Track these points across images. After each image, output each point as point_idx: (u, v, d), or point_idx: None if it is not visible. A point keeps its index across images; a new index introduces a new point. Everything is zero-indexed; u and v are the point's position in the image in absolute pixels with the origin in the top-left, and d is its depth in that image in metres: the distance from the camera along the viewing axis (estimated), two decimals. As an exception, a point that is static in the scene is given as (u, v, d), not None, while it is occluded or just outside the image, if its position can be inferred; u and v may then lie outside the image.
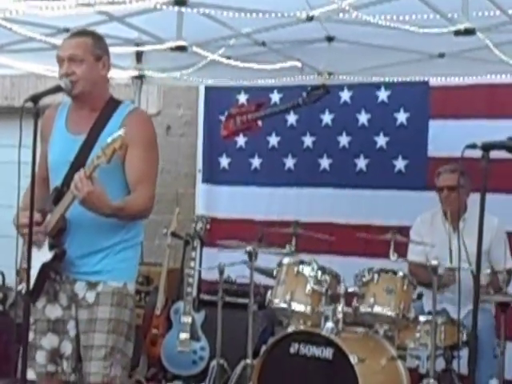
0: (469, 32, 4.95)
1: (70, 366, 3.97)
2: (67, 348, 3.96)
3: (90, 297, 3.91)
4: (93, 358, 3.86)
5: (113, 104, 4.02)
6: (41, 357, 3.97)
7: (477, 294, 3.51)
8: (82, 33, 4.12)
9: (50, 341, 3.97)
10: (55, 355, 3.97)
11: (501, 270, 5.84)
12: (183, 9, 5.47)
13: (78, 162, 3.83)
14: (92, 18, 5.75)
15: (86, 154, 3.86)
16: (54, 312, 3.98)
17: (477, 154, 3.53)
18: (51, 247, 3.88)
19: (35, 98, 3.69)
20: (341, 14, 5.28)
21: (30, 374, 3.90)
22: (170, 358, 6.99)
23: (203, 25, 5.92)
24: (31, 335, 3.92)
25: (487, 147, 3.41)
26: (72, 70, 3.87)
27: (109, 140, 3.58)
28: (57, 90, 3.86)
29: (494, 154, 3.54)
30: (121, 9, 5.63)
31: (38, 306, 3.98)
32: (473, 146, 3.42)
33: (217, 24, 5.92)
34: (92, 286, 3.91)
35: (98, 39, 4.05)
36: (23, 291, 3.86)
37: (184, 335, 6.86)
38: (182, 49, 5.85)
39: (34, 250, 3.74)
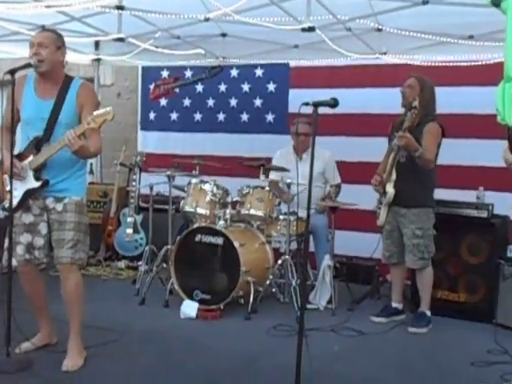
0: (311, 29, 4.94)
1: (41, 253, 3.94)
2: (38, 242, 3.92)
3: (59, 207, 3.85)
4: (64, 247, 3.82)
5: (69, 79, 3.92)
6: (20, 249, 3.92)
7: (309, 200, 3.44)
8: (49, 29, 4.12)
9: (25, 238, 3.92)
10: (30, 247, 3.92)
11: (332, 185, 5.93)
12: (122, 12, 5.37)
13: (52, 119, 3.79)
14: (59, 18, 5.63)
15: (57, 113, 3.81)
16: (28, 218, 3.91)
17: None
18: (37, 178, 3.82)
19: (12, 72, 3.70)
20: (228, 17, 5.23)
21: (13, 262, 3.88)
22: (120, 245, 6.97)
23: (136, 23, 5.79)
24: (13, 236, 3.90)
25: (316, 104, 3.41)
26: (39, 52, 3.78)
27: (99, 112, 3.63)
28: (27, 66, 3.80)
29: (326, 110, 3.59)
30: (79, 11, 5.50)
31: (16, 215, 3.90)
32: (307, 104, 3.41)
33: (145, 22, 5.80)
34: (59, 199, 3.85)
35: (59, 35, 3.93)
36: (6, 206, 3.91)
37: (129, 230, 6.85)
38: (121, 40, 5.76)
39: (17, 182, 3.82)
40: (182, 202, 5.65)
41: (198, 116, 7.82)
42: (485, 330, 4.95)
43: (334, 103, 3.44)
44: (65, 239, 3.83)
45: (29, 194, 3.86)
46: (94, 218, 7.02)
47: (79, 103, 3.83)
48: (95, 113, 3.63)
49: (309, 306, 5.42)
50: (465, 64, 6.00)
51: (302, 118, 5.83)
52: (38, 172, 3.82)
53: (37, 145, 3.82)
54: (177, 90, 7.30)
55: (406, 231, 5.00)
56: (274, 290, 5.51)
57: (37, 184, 3.83)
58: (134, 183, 6.86)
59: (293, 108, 6.90)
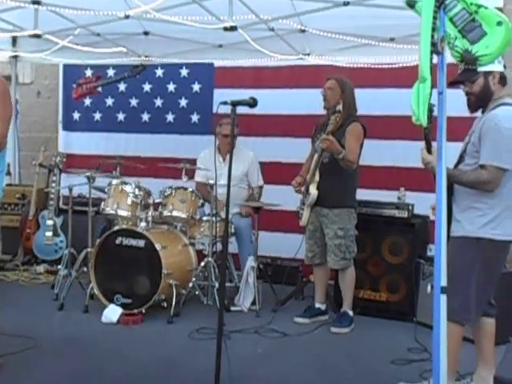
0: (233, 28, 4.90)
1: None
2: None
3: None
4: None
5: None
6: None
7: (228, 201, 3.38)
8: None
9: None
10: None
11: (255, 187, 5.90)
12: (38, 7, 5.19)
13: None
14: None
15: None
16: None
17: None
18: None
19: None
20: (148, 15, 5.14)
21: None
22: (39, 248, 6.72)
23: (54, 19, 5.61)
24: None
25: (234, 103, 3.37)
26: None
27: None
28: None
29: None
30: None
31: None
32: (225, 103, 3.37)
33: (63, 19, 5.63)
34: None
35: None
36: None
37: (48, 233, 6.63)
38: (38, 36, 5.56)
39: None
40: (103, 203, 5.51)
41: (121, 116, 7.65)
42: (405, 328, 5.01)
43: (252, 103, 3.41)
44: None
45: None
46: (11, 221, 6.81)
47: None
48: None
49: (233, 308, 5.39)
50: (386, 66, 6.09)
51: (227, 119, 5.79)
52: None
53: None
54: (99, 89, 7.15)
55: (328, 231, 5.03)
56: (197, 292, 5.44)
57: None
58: (53, 184, 6.66)
59: (218, 108, 6.80)
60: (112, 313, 4.99)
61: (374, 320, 5.30)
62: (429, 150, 3.33)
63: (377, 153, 5.98)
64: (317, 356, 4.45)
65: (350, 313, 5.12)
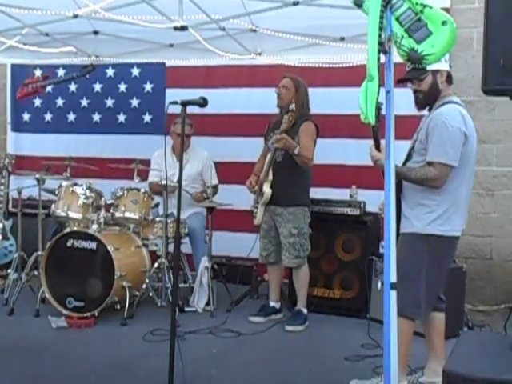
0: (183, 28, 4.87)
1: None
2: None
3: None
4: None
5: None
6: None
7: (179, 199, 3.37)
8: None
9: None
10: None
11: (208, 185, 5.88)
12: (-17, 5, 5.07)
13: None
14: None
15: None
16: None
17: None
18: None
19: None
20: (97, 14, 5.06)
21: None
22: (-13, 252, 6.59)
23: (1, 18, 5.48)
24: None
25: (184, 103, 3.36)
26: None
27: None
28: None
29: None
30: None
31: None
32: (175, 103, 3.36)
33: (10, 18, 5.51)
34: None
35: None
36: None
37: (-2, 237, 6.48)
38: (-20, 36, 5.44)
39: None
40: (53, 205, 5.42)
41: (71, 117, 7.52)
42: (359, 324, 5.07)
43: (203, 102, 3.41)
44: None
45: None
46: (-42, 225, 6.61)
47: None
48: None
49: (187, 309, 5.38)
50: (337, 65, 6.14)
51: (179, 119, 5.76)
52: None
53: None
54: (48, 88, 7.03)
55: (283, 230, 5.05)
56: (151, 294, 5.38)
57: None
58: (1, 187, 6.49)
59: (170, 108, 6.77)
60: (57, 321, 4.93)
61: (327, 317, 5.35)
62: (377, 147, 3.39)
63: (328, 151, 6.03)
64: (271, 354, 4.47)
65: (304, 311, 5.15)
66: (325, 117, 5.86)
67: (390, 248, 2.58)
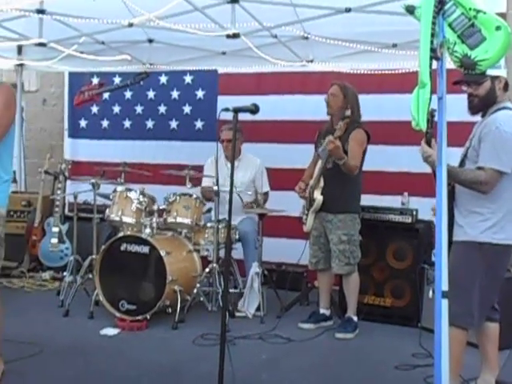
0: (236, 36, 4.93)
1: None
2: None
3: None
4: None
5: None
6: None
7: (230, 205, 3.39)
8: None
9: None
10: None
11: (260, 193, 5.91)
12: (43, 16, 5.23)
13: None
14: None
15: None
16: None
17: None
18: None
19: None
20: (152, 23, 5.16)
21: None
22: (45, 255, 6.76)
23: (59, 28, 5.65)
24: None
25: (236, 110, 3.38)
26: None
27: None
28: None
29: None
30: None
31: None
32: (227, 109, 3.38)
33: (67, 27, 5.67)
34: None
35: None
36: None
37: (54, 240, 6.65)
38: (43, 45, 5.61)
39: None
40: (108, 210, 5.53)
41: (127, 123, 7.67)
42: (410, 333, 5.00)
43: (254, 109, 3.42)
44: None
45: None
46: (17, 228, 6.81)
47: None
48: None
49: (237, 314, 5.40)
50: (389, 72, 6.10)
51: (226, 125, 5.84)
52: None
53: None
54: (105, 95, 7.20)
55: (332, 237, 5.03)
56: (201, 298, 5.43)
57: None
58: (59, 192, 6.69)
59: (222, 115, 6.83)
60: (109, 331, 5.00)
61: (378, 325, 5.30)
62: (429, 144, 3.35)
63: (381, 158, 5.98)
64: (321, 362, 4.45)
65: (355, 318, 5.11)
66: (377, 124, 5.82)
67: (441, 256, 2.55)
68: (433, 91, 2.59)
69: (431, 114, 2.56)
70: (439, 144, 2.60)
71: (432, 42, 2.57)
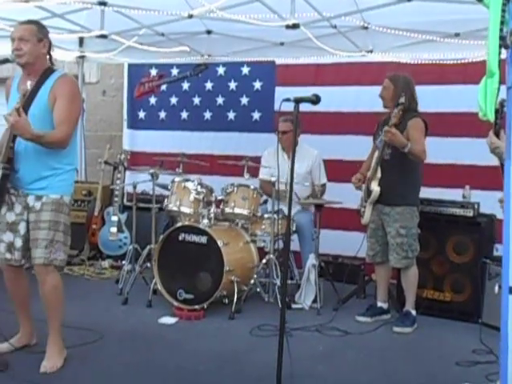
0: (295, 26, 4.89)
1: (19, 255, 3.83)
2: (18, 242, 3.82)
3: (37, 205, 3.73)
4: (38, 247, 3.71)
5: (49, 71, 3.79)
6: (2, 248, 3.84)
7: (290, 197, 3.37)
8: (29, 21, 3.85)
9: (7, 237, 3.82)
10: (11, 247, 3.82)
11: (317, 184, 5.88)
12: (104, 8, 5.31)
13: (24, 110, 3.59)
14: (41, 14, 5.49)
15: (29, 105, 3.68)
16: (11, 217, 3.81)
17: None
18: (3, 169, 3.70)
19: None
20: (212, 14, 5.16)
21: None
22: (104, 244, 6.91)
23: (120, 19, 5.72)
24: None
25: (297, 100, 3.36)
26: (20, 47, 3.69)
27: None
28: (5, 61, 3.71)
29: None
30: (61, 7, 5.45)
31: (1, 212, 3.82)
32: (287, 100, 3.36)
33: (128, 19, 5.73)
34: (38, 198, 3.74)
35: (41, 27, 3.82)
36: None
37: (113, 229, 6.75)
38: (104, 37, 5.70)
39: None
40: (166, 200, 5.58)
41: (184, 114, 7.73)
42: (470, 329, 4.89)
43: (315, 99, 3.40)
44: (38, 239, 3.72)
45: (2, 188, 3.75)
46: (77, 217, 6.93)
47: (52, 95, 3.69)
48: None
49: (294, 306, 5.39)
50: (451, 62, 5.96)
51: (283, 116, 5.82)
52: (6, 164, 3.69)
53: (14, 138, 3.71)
54: (163, 87, 7.26)
55: (390, 230, 4.96)
56: (258, 289, 5.44)
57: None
58: (118, 181, 6.79)
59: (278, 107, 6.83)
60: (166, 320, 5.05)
61: (437, 320, 5.20)
62: (497, 135, 3.24)
63: (441, 150, 5.86)
64: (378, 355, 4.40)
65: (413, 312, 5.03)
66: (438, 115, 5.72)
67: (508, 250, 2.47)
68: (501, 81, 2.50)
69: (501, 105, 2.47)
70: (508, 136, 2.52)
71: (501, 30, 2.48)
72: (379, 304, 5.24)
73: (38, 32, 3.77)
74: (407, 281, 5.07)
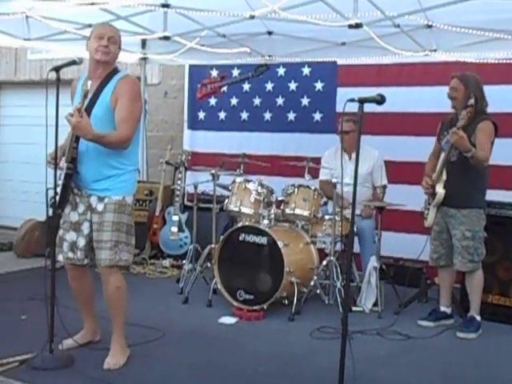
0: (358, 26, 4.83)
1: (82, 254, 3.90)
2: (81, 242, 3.88)
3: (100, 207, 3.79)
4: (102, 248, 3.77)
5: (113, 73, 3.85)
6: (65, 247, 3.91)
7: (353, 199, 3.34)
8: (113, 26, 3.98)
9: (70, 236, 3.89)
10: (73, 246, 3.89)
11: (378, 186, 5.80)
12: (167, 10, 5.37)
13: (87, 111, 3.68)
14: (106, 17, 5.59)
15: (92, 106, 3.75)
16: (74, 217, 3.88)
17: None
18: (67, 169, 3.77)
19: (57, 69, 3.67)
20: (273, 14, 5.15)
21: (60, 257, 3.92)
22: (165, 243, 7.02)
23: (182, 21, 5.78)
24: (60, 231, 3.93)
25: (362, 100, 3.32)
26: (109, 47, 3.75)
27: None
28: (71, 63, 3.77)
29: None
30: (125, 10, 5.54)
31: (66, 212, 3.89)
32: (352, 100, 3.32)
33: (190, 21, 5.79)
34: (101, 199, 3.79)
35: (119, 32, 3.90)
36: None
37: (174, 228, 6.85)
38: (167, 38, 5.76)
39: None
40: (227, 200, 5.60)
41: (244, 115, 7.76)
42: (537, 337, 4.75)
43: (380, 99, 3.35)
44: (102, 240, 3.77)
45: (65, 186, 3.81)
46: (139, 217, 7.05)
47: (114, 96, 3.74)
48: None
49: (354, 309, 5.32)
50: (519, 61, 5.79)
51: (345, 117, 5.75)
52: (70, 164, 3.75)
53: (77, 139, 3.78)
54: (224, 88, 7.29)
55: (456, 232, 4.84)
56: (318, 291, 5.41)
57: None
58: (179, 182, 6.87)
59: (341, 107, 6.70)
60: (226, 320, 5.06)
61: (502, 326, 5.05)
62: None
63: (509, 151, 5.70)
64: (442, 360, 4.30)
65: (478, 318, 4.90)
66: (504, 115, 5.55)
67: None
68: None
69: None
70: None
71: None
72: (442, 308, 5.13)
73: (119, 36, 3.88)
74: (472, 285, 4.93)
